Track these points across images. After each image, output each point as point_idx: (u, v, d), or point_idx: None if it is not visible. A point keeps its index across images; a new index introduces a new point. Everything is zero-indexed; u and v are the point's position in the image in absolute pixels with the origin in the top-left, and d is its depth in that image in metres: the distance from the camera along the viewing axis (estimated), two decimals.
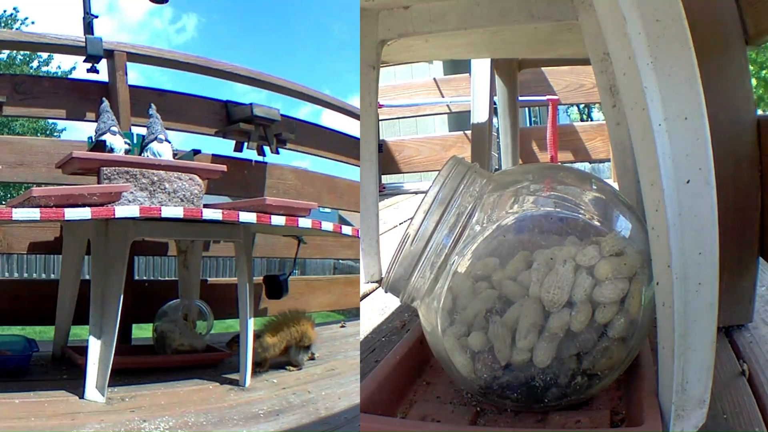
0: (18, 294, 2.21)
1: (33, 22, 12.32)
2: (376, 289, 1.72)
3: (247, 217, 1.62)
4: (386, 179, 3.74)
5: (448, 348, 0.96)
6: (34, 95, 2.17)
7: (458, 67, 4.16)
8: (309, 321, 1.95)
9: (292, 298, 2.53)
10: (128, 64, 2.29)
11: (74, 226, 1.80)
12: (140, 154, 1.80)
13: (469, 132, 2.97)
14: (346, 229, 1.97)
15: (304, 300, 2.92)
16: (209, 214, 1.58)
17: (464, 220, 0.95)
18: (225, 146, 2.71)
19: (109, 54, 2.26)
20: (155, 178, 1.66)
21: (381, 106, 3.01)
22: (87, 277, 1.74)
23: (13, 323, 2.38)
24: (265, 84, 2.80)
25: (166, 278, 7.35)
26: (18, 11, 12.12)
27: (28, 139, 2.52)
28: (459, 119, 4.36)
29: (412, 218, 0.97)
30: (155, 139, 1.81)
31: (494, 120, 2.64)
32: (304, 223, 1.75)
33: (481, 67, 2.56)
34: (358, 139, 1.74)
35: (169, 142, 1.84)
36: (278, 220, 1.69)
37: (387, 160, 3.61)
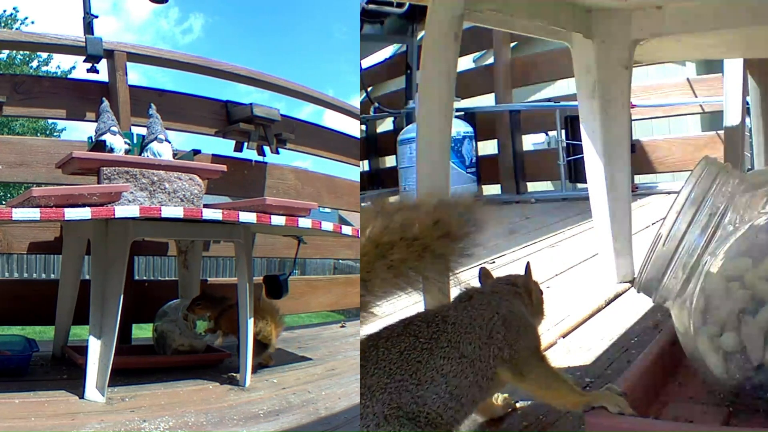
0: (18, 294, 2.21)
1: (33, 22, 12.33)
2: (629, 289, 1.73)
3: (247, 217, 1.62)
4: (639, 179, 3.73)
5: (700, 348, 0.97)
6: (34, 95, 2.17)
7: (711, 66, 4.15)
8: (273, 318, 1.91)
9: (292, 298, 2.53)
10: (129, 64, 2.30)
11: (74, 226, 1.80)
12: (140, 154, 1.80)
13: (721, 132, 2.95)
14: (346, 229, 1.97)
15: (304, 300, 2.93)
16: (209, 214, 1.58)
17: (716, 220, 0.96)
18: (225, 146, 2.72)
19: (109, 54, 2.26)
20: (155, 178, 1.66)
21: (634, 106, 2.99)
22: (87, 277, 1.74)
23: (13, 323, 2.38)
24: (265, 84, 2.80)
25: (166, 278, 7.35)
26: (18, 11, 12.14)
27: (28, 139, 2.52)
28: (712, 119, 4.33)
29: (664, 218, 0.98)
30: (155, 139, 1.81)
31: (747, 120, 2.63)
32: (304, 223, 1.75)
33: (734, 67, 2.56)
34: (358, 138, 1.72)
35: (169, 142, 1.84)
36: (278, 220, 1.69)
37: (641, 161, 3.61)
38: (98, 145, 1.73)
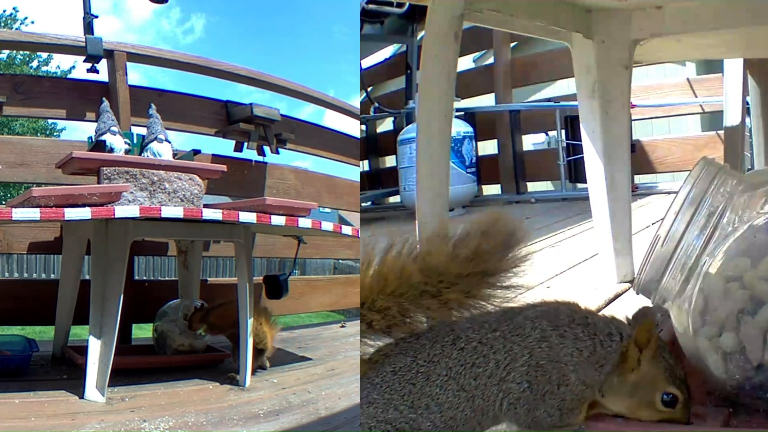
0: (18, 294, 2.21)
1: (33, 22, 12.33)
2: (628, 289, 1.72)
3: (247, 217, 1.62)
4: (639, 179, 3.76)
5: (699, 349, 0.96)
6: (34, 95, 2.17)
7: (711, 66, 4.19)
8: (267, 321, 1.90)
9: (292, 298, 2.53)
10: (129, 64, 2.30)
11: (74, 226, 1.80)
12: (140, 154, 1.80)
13: (721, 132, 2.96)
14: (346, 229, 1.97)
15: (304, 300, 2.93)
16: (209, 214, 1.58)
17: (715, 220, 0.95)
18: (225, 146, 2.72)
19: (109, 54, 2.26)
20: (155, 178, 1.66)
21: (634, 106, 3.00)
22: (87, 277, 1.74)
23: (13, 323, 2.38)
24: (264, 84, 2.80)
25: (166, 278, 7.35)
26: (18, 11, 12.14)
27: (28, 139, 2.52)
28: (712, 119, 4.34)
29: (662, 219, 0.97)
30: (155, 139, 1.81)
31: (747, 120, 2.63)
32: (304, 223, 1.75)
33: (734, 67, 2.56)
34: (358, 138, 1.72)
35: (169, 142, 1.84)
36: (278, 220, 1.69)
37: (641, 161, 3.62)
38: (98, 145, 1.73)
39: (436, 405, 0.83)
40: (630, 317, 0.92)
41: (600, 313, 0.90)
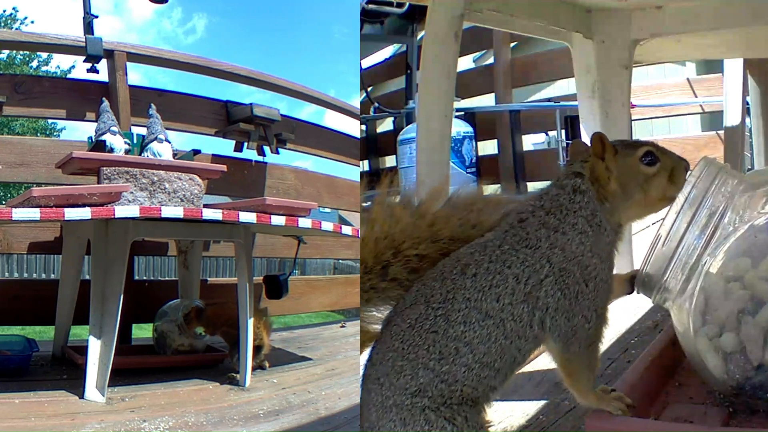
0: (18, 294, 2.21)
1: (33, 22, 12.33)
2: None
3: (247, 217, 1.62)
4: None
5: (700, 349, 0.97)
6: (34, 95, 2.18)
7: (711, 66, 4.20)
8: (261, 320, 1.91)
9: (292, 298, 2.53)
10: (129, 64, 2.30)
11: (74, 226, 1.80)
12: (140, 154, 1.80)
13: (721, 132, 2.96)
14: (346, 229, 1.97)
15: (304, 300, 2.93)
16: (209, 214, 1.58)
17: (716, 220, 0.96)
18: (225, 146, 2.72)
19: (109, 54, 2.26)
20: (155, 178, 1.66)
21: (634, 106, 3.00)
22: (87, 277, 1.74)
23: (13, 323, 2.38)
24: (265, 84, 2.80)
25: (166, 278, 7.34)
26: (18, 11, 12.14)
27: (28, 139, 2.52)
28: (712, 119, 4.35)
29: (663, 219, 0.98)
30: (155, 139, 1.81)
31: (747, 120, 2.63)
32: (304, 223, 1.75)
33: (734, 67, 2.56)
34: (358, 138, 1.72)
35: (169, 142, 1.84)
36: (278, 220, 1.69)
37: None
38: (98, 145, 1.73)
39: (464, 345, 0.78)
40: (567, 159, 0.92)
41: (548, 192, 0.88)
